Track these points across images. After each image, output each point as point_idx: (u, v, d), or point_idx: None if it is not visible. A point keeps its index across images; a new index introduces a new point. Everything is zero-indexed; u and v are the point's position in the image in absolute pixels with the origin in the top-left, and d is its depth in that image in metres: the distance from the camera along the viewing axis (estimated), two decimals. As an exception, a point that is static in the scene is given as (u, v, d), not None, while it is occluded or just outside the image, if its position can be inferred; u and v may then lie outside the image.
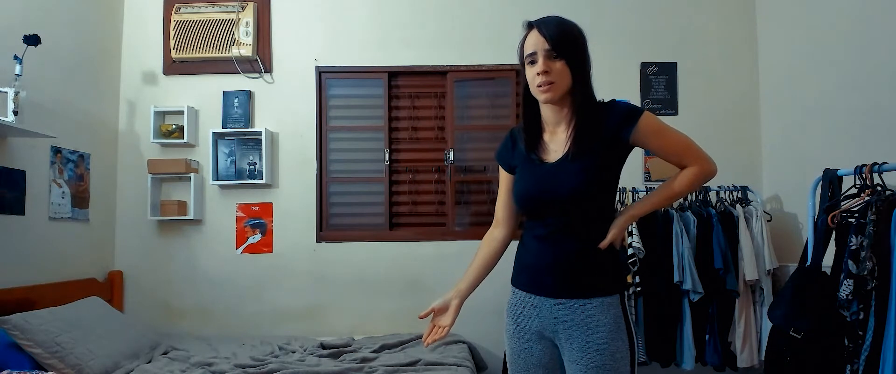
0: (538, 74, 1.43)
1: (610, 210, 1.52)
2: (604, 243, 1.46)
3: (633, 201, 3.25)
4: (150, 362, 2.70)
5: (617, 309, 1.46)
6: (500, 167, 1.66)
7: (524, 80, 1.51)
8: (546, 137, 1.53)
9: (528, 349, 1.53)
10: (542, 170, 1.49)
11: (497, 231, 1.67)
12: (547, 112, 1.52)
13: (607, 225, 1.48)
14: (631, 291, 2.99)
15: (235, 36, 3.52)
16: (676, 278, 2.95)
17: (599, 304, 1.45)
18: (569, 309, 1.46)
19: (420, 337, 3.15)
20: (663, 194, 1.54)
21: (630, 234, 2.98)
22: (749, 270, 2.96)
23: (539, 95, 1.46)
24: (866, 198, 2.11)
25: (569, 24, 1.47)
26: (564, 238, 1.47)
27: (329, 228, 3.61)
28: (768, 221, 3.14)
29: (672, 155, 1.50)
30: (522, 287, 1.55)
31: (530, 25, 1.47)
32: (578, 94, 1.45)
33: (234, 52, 3.51)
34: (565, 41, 1.43)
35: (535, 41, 1.44)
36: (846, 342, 2.04)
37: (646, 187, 3.25)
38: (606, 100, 1.51)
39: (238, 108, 3.57)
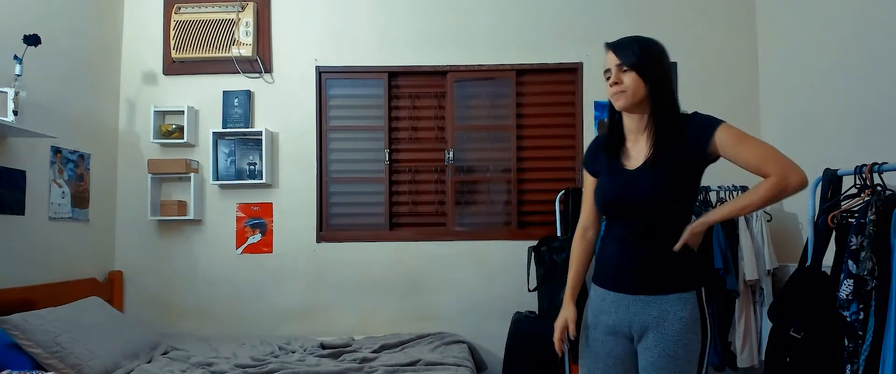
0: (611, 85, 1.58)
1: (687, 215, 1.61)
2: (677, 246, 1.55)
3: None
4: (150, 362, 2.70)
5: (693, 304, 1.56)
6: (585, 172, 1.78)
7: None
8: (629, 144, 1.66)
9: (600, 340, 1.65)
10: (622, 176, 1.61)
11: (590, 233, 1.78)
12: (627, 121, 1.64)
13: (682, 229, 1.56)
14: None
15: (235, 36, 3.52)
16: (676, 278, 2.94)
17: (676, 299, 1.55)
18: (645, 305, 1.57)
19: (420, 337, 3.15)
20: (738, 204, 1.61)
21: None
22: (749, 270, 2.96)
23: (614, 103, 1.61)
24: (866, 198, 2.11)
25: (643, 40, 1.59)
26: (641, 240, 1.58)
27: (329, 228, 3.61)
28: (768, 221, 3.14)
29: (750, 165, 1.52)
30: (603, 284, 1.67)
31: (607, 47, 1.62)
32: (656, 104, 1.58)
33: (234, 52, 3.51)
34: (634, 55, 1.56)
35: (609, 59, 1.60)
36: (846, 342, 2.04)
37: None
38: (689, 112, 1.62)
39: (238, 108, 3.57)
